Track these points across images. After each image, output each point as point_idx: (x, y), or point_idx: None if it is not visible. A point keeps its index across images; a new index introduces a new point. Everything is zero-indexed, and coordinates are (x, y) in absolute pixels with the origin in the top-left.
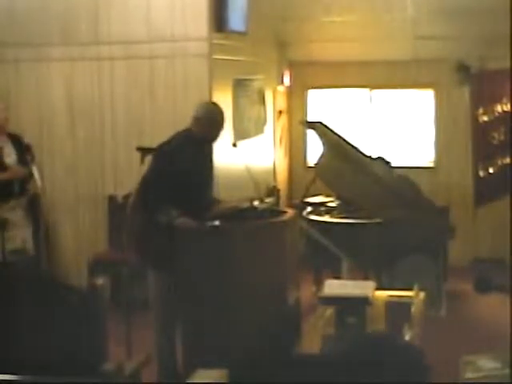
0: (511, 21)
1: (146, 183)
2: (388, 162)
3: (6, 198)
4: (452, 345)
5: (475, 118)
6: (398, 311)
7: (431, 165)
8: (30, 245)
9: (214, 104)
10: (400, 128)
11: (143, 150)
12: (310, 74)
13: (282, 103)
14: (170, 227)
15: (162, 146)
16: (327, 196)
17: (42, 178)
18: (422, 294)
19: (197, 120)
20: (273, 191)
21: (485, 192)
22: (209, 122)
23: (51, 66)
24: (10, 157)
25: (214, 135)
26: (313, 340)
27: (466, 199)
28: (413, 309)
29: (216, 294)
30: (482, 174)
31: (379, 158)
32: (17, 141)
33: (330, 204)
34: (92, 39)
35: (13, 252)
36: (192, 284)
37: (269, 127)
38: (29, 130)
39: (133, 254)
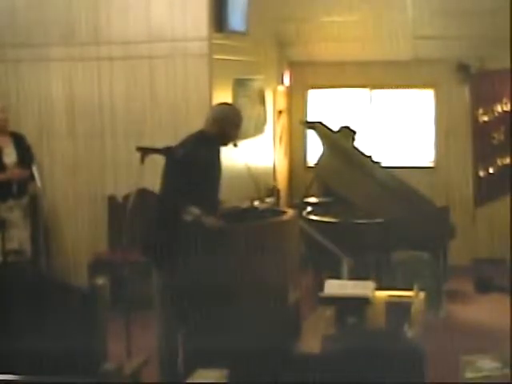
0: (511, 21)
1: (165, 185)
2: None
3: (4, 198)
4: (452, 345)
5: (475, 118)
6: (397, 311)
7: (431, 165)
8: (27, 246)
9: (231, 105)
10: (400, 128)
11: (143, 150)
12: (310, 73)
13: (282, 103)
14: (196, 226)
15: (176, 148)
16: (327, 196)
17: (41, 177)
18: (421, 294)
19: (214, 121)
20: (273, 191)
21: (485, 192)
22: (227, 123)
23: (51, 66)
24: (10, 157)
25: (232, 136)
26: (313, 340)
27: (466, 199)
28: (413, 309)
29: (216, 294)
30: (482, 173)
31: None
32: (19, 140)
33: (330, 204)
34: (92, 39)
35: (10, 252)
36: (192, 283)
37: (269, 127)
38: (29, 130)
39: (135, 254)
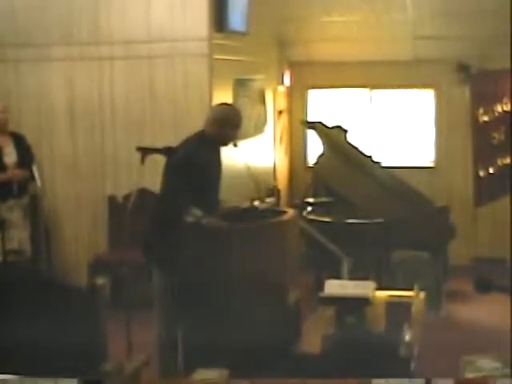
0: (511, 21)
1: (166, 186)
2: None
3: (4, 198)
4: (452, 345)
5: (475, 118)
6: (397, 311)
7: (431, 165)
8: (27, 246)
9: (231, 105)
10: (400, 128)
11: (143, 150)
12: (310, 73)
13: (282, 103)
14: (197, 228)
15: (176, 148)
16: (327, 196)
17: (41, 177)
18: (422, 294)
19: (214, 121)
20: (273, 191)
21: (485, 192)
22: (227, 123)
23: (51, 66)
24: (11, 157)
25: (232, 136)
26: (313, 340)
27: (466, 199)
28: (413, 309)
29: (216, 294)
30: (482, 173)
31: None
32: (19, 140)
33: (330, 204)
34: (92, 39)
35: (10, 252)
36: (192, 283)
37: (269, 127)
38: (29, 130)
39: (135, 254)
